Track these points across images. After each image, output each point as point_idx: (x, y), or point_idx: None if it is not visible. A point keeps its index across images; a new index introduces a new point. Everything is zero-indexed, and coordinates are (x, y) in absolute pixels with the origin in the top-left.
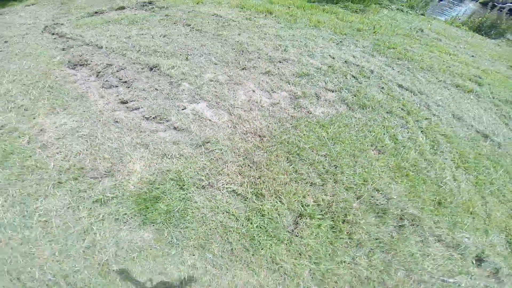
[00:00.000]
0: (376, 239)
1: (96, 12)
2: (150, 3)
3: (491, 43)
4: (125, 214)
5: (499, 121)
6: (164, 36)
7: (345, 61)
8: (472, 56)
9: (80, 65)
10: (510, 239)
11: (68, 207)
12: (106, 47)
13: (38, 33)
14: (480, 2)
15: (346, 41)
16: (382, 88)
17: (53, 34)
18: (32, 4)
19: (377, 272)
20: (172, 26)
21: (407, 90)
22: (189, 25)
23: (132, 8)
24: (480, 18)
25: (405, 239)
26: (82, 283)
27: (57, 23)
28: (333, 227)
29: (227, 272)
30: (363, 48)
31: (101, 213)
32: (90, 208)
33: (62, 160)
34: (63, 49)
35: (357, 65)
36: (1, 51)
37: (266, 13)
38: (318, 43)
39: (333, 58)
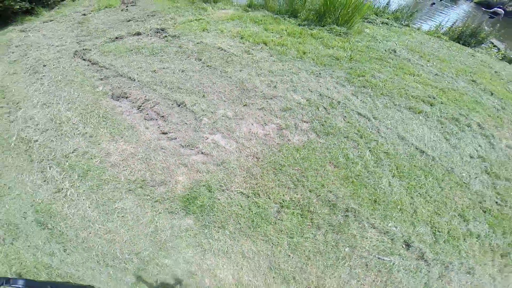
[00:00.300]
0: (329, 224)
1: (116, 38)
2: (162, 30)
3: (466, 53)
4: (175, 208)
5: (441, 137)
6: (182, 72)
7: (320, 94)
8: (436, 74)
9: (122, 97)
10: (435, 230)
11: (137, 206)
12: (139, 80)
13: (70, 57)
14: (475, 3)
15: (324, 73)
16: (345, 116)
17: (84, 59)
18: (50, 21)
19: (330, 247)
20: (187, 60)
21: (364, 117)
22: (200, 60)
23: (147, 34)
24: (460, 28)
25: (348, 225)
26: (148, 258)
27: (85, 49)
28: (301, 214)
29: (238, 242)
30: (337, 79)
31: (160, 209)
32: (152, 206)
33: (129, 175)
34: (101, 79)
35: (329, 97)
36: (43, 75)
37: (262, 44)
38: (301, 78)
39: (311, 91)
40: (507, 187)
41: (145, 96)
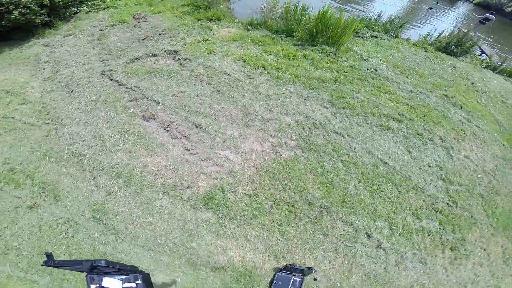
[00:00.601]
0: (308, 217)
1: (136, 59)
2: (175, 52)
3: (448, 65)
4: (198, 205)
5: (404, 150)
6: (197, 96)
7: (306, 116)
8: (410, 91)
9: (151, 118)
10: (391, 225)
11: (171, 204)
12: (162, 104)
13: (99, 77)
14: (474, 4)
15: (311, 95)
16: (324, 135)
17: (111, 79)
18: (70, 35)
19: (309, 234)
20: (199, 85)
21: (340, 135)
22: (211, 84)
23: (163, 56)
24: (446, 38)
25: (322, 218)
26: (180, 242)
27: (110, 69)
28: (288, 209)
29: (243, 229)
30: (321, 101)
31: (187, 206)
32: (182, 204)
33: (163, 181)
34: (131, 101)
35: (313, 119)
36: (79, 95)
37: (261, 67)
38: (292, 101)
39: (299, 114)
40: (459, 191)
41: (170, 119)
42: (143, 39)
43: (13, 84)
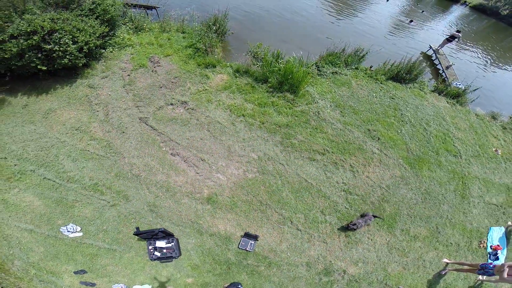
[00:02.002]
0: (259, 209)
1: (160, 107)
2: (185, 102)
3: (389, 96)
4: (203, 202)
5: (322, 173)
6: (201, 139)
7: (264, 153)
8: (340, 129)
9: (176, 155)
10: (305, 217)
11: (190, 201)
12: (181, 145)
13: (138, 122)
14: (470, 7)
15: (269, 138)
16: (273, 164)
17: (147, 124)
18: (105, 77)
19: (259, 218)
20: (202, 132)
21: (281, 164)
22: (209, 131)
23: (177, 106)
24: (396, 67)
25: (266, 210)
26: (194, 220)
27: (145, 116)
28: (249, 205)
29: (225, 214)
30: (275, 142)
31: (197, 202)
32: (195, 201)
33: (185, 190)
34: (162, 142)
35: (267, 154)
36: (130, 136)
37: (242, 116)
38: (257, 143)
39: (261, 151)
40: (355, 199)
41: (186, 155)
42: (161, 87)
43: (79, 122)
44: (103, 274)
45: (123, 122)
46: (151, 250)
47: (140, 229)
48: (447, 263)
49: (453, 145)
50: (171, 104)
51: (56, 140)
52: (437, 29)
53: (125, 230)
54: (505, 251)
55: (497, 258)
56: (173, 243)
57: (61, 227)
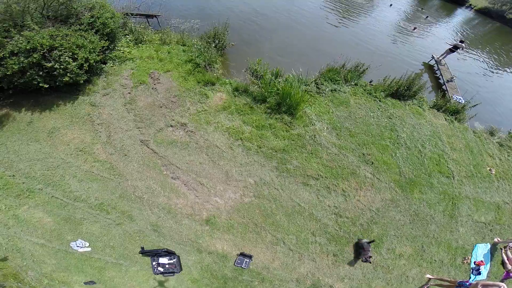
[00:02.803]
0: (254, 231)
1: (160, 129)
2: (185, 124)
3: (386, 116)
4: (202, 223)
5: (314, 197)
6: (200, 163)
7: (260, 178)
8: (335, 154)
9: (177, 178)
10: (297, 238)
11: (190, 222)
12: (181, 169)
13: (140, 144)
14: (475, 10)
15: (266, 163)
16: (268, 189)
17: (148, 147)
18: (106, 94)
19: (254, 239)
20: (201, 155)
21: (276, 189)
22: (208, 155)
23: (177, 128)
24: (396, 83)
25: (260, 232)
26: (193, 240)
27: (146, 139)
28: (245, 227)
29: (223, 235)
30: (271, 167)
31: (197, 223)
32: (195, 222)
33: (186, 211)
34: (163, 166)
35: (263, 179)
36: (131, 159)
37: (239, 140)
38: (254, 167)
39: (257, 176)
40: (345, 221)
41: (186, 179)
42: (161, 107)
43: (82, 143)
44: (110, 285)
45: (125, 144)
46: (155, 266)
47: (145, 249)
48: (429, 279)
49: (447, 166)
50: (171, 126)
51: (61, 161)
52: (441, 36)
53: (130, 247)
54: (488, 266)
55: (479, 273)
56: (174, 260)
57: (71, 242)
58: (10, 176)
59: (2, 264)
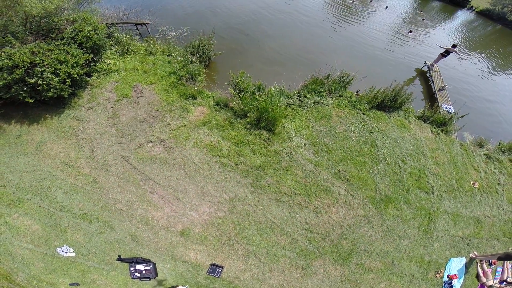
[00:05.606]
0: (227, 244)
1: (141, 145)
2: (164, 140)
3: (367, 130)
4: (177, 235)
5: (286, 213)
6: (177, 179)
7: (235, 194)
8: (310, 171)
9: (154, 193)
10: (268, 252)
11: (167, 234)
12: (159, 184)
13: (121, 160)
14: (477, 12)
15: (241, 179)
16: (242, 205)
17: (128, 163)
18: (91, 108)
19: (226, 251)
20: (178, 172)
21: (250, 205)
22: (185, 171)
23: (156, 143)
24: (381, 94)
25: (233, 245)
26: (169, 249)
27: (126, 155)
28: (218, 240)
29: (196, 246)
30: (246, 184)
31: (172, 235)
32: (170, 234)
33: (162, 224)
34: (142, 181)
35: (238, 196)
36: (113, 174)
37: (216, 156)
38: (230, 184)
39: (232, 192)
40: (315, 237)
41: (163, 193)
42: (142, 122)
43: (68, 157)
44: (93, 287)
45: (107, 160)
46: (132, 271)
47: (122, 257)
48: None
49: (427, 181)
50: (151, 141)
51: (48, 174)
52: (438, 39)
53: (111, 253)
54: (461, 280)
55: (451, 287)
56: (151, 267)
57: (57, 248)
58: (1, 186)
59: None
